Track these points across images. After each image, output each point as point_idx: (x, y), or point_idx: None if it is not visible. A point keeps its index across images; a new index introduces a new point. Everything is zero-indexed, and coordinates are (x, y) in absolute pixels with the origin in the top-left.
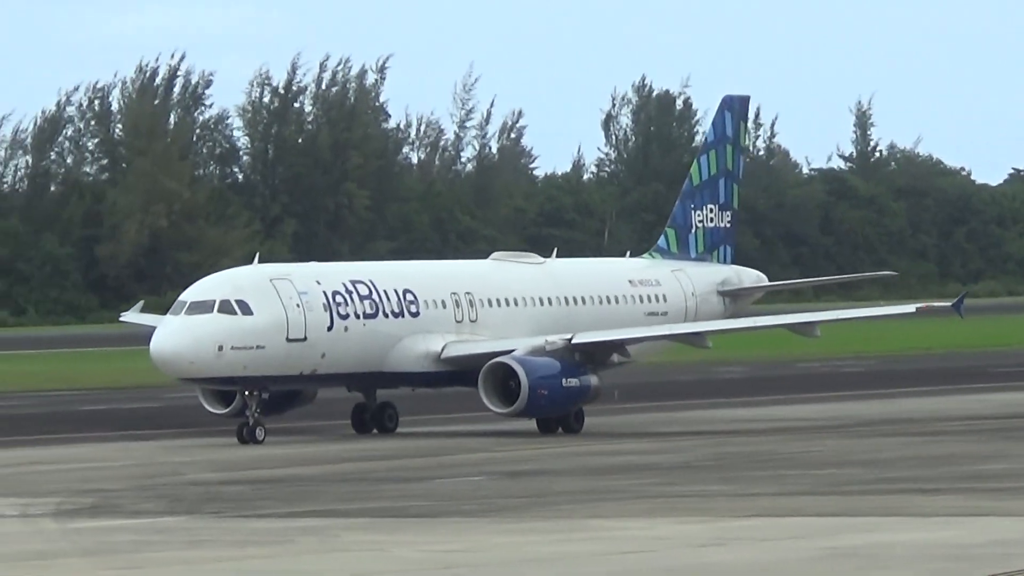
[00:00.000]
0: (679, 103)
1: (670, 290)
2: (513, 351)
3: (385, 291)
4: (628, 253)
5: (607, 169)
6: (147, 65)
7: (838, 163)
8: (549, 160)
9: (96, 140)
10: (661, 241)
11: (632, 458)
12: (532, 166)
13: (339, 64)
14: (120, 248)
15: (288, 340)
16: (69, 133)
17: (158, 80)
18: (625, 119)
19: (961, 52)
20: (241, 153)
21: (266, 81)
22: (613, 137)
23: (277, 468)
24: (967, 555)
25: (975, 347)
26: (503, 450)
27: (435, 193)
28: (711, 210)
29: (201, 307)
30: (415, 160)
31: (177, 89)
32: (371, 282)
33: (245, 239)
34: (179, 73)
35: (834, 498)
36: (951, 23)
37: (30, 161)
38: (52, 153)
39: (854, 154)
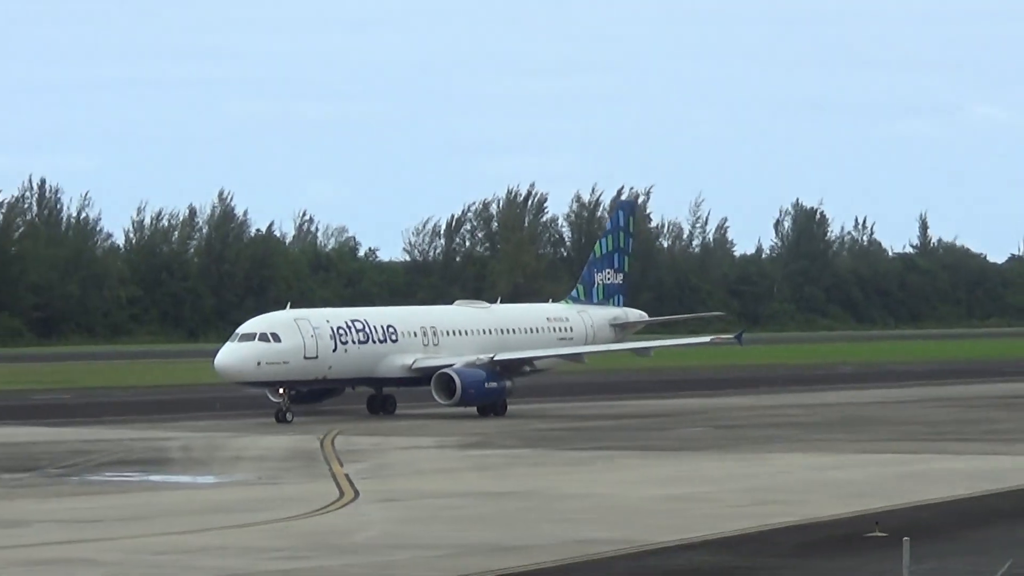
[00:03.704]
0: (817, 216)
1: (576, 324)
2: (453, 364)
3: (375, 326)
4: (550, 300)
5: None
6: (512, 190)
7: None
8: (743, 245)
9: (482, 233)
10: (573, 292)
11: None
12: (733, 249)
13: (619, 188)
14: (495, 296)
15: (305, 358)
16: (467, 227)
17: (520, 198)
18: (787, 223)
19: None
20: (566, 240)
21: (578, 198)
22: (781, 234)
23: (572, 424)
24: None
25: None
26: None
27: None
28: (608, 273)
29: (248, 337)
30: (665, 245)
31: (532, 203)
32: (365, 320)
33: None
34: (533, 193)
35: (901, 443)
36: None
37: (443, 243)
38: (456, 238)
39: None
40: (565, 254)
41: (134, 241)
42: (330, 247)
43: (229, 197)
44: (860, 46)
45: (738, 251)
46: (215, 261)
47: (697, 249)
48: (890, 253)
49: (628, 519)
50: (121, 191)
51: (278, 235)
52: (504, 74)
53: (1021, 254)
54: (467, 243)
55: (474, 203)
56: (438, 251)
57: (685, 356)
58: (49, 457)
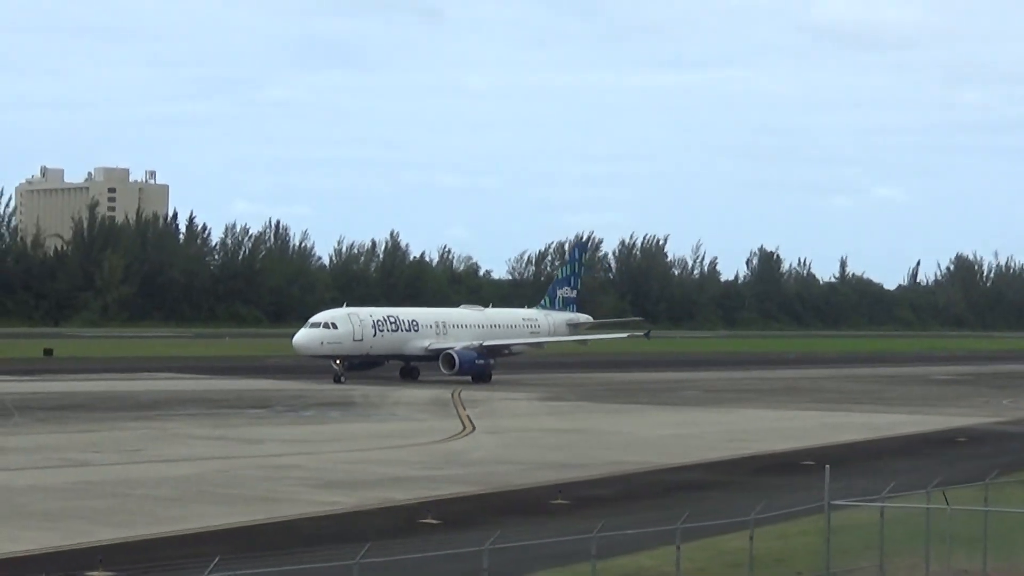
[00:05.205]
0: (774, 256)
1: (542, 323)
2: (454, 347)
3: (404, 320)
4: (527, 305)
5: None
6: (579, 234)
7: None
8: (727, 273)
9: (558, 261)
10: (542, 302)
11: (752, 385)
12: (720, 277)
13: (645, 235)
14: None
15: (353, 340)
16: (548, 258)
17: (583, 239)
18: (755, 260)
19: None
20: (612, 268)
21: (621, 242)
22: (751, 268)
23: (611, 386)
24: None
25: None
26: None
27: (681, 285)
28: (567, 290)
29: (315, 325)
30: (676, 273)
31: (591, 243)
32: (397, 316)
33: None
34: (591, 237)
35: (825, 404)
36: None
37: (533, 268)
38: (542, 265)
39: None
40: (611, 277)
41: (335, 262)
42: (461, 269)
43: (397, 235)
44: (805, 146)
45: (723, 278)
46: (387, 276)
47: (696, 276)
48: (821, 281)
49: (647, 448)
50: (328, 229)
51: (427, 260)
52: (574, 160)
53: (905, 284)
54: (548, 268)
55: (553, 242)
56: (530, 273)
57: (679, 344)
58: (277, 399)
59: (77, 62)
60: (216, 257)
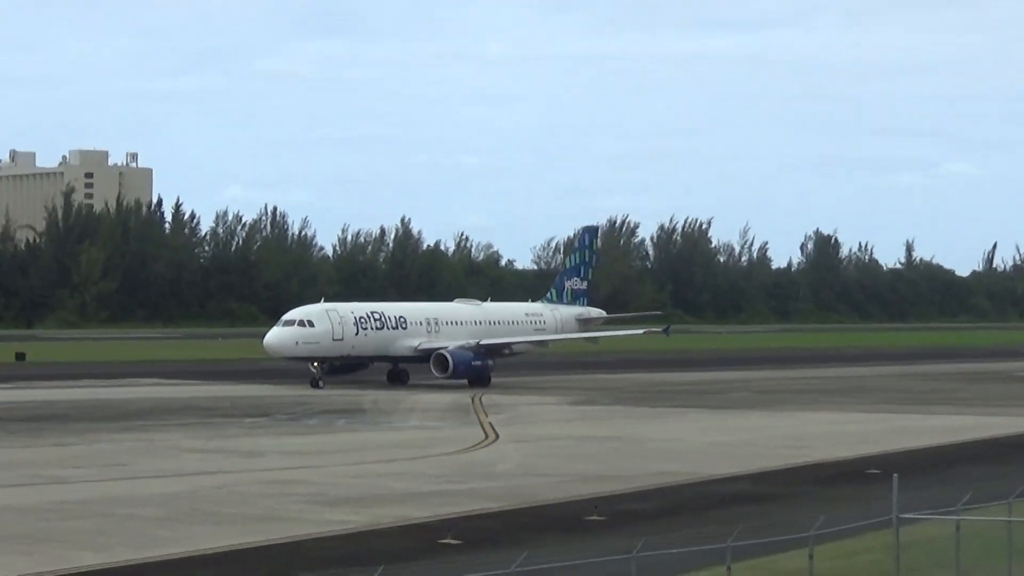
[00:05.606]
0: (832, 241)
1: (548, 318)
2: (447, 347)
3: (390, 316)
4: (530, 299)
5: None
6: (612, 219)
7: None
8: (778, 260)
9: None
10: (548, 295)
11: (809, 384)
12: (771, 264)
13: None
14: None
15: (332, 340)
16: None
17: (616, 224)
18: (810, 245)
19: None
20: (650, 256)
21: (660, 227)
22: (805, 254)
23: (649, 389)
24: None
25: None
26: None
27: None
28: (576, 281)
29: (289, 323)
30: (721, 260)
31: (625, 229)
32: (383, 312)
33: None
34: (627, 221)
35: (890, 405)
36: None
37: (561, 256)
38: (570, 253)
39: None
40: (649, 266)
41: (339, 252)
42: (480, 258)
43: (408, 221)
44: (866, 117)
45: (774, 265)
46: (397, 267)
47: (744, 263)
48: (885, 268)
49: (693, 457)
50: (331, 216)
51: (443, 249)
52: (606, 136)
53: (980, 270)
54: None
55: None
56: (557, 262)
57: (725, 340)
58: (277, 406)
59: (49, 33)
60: (206, 248)
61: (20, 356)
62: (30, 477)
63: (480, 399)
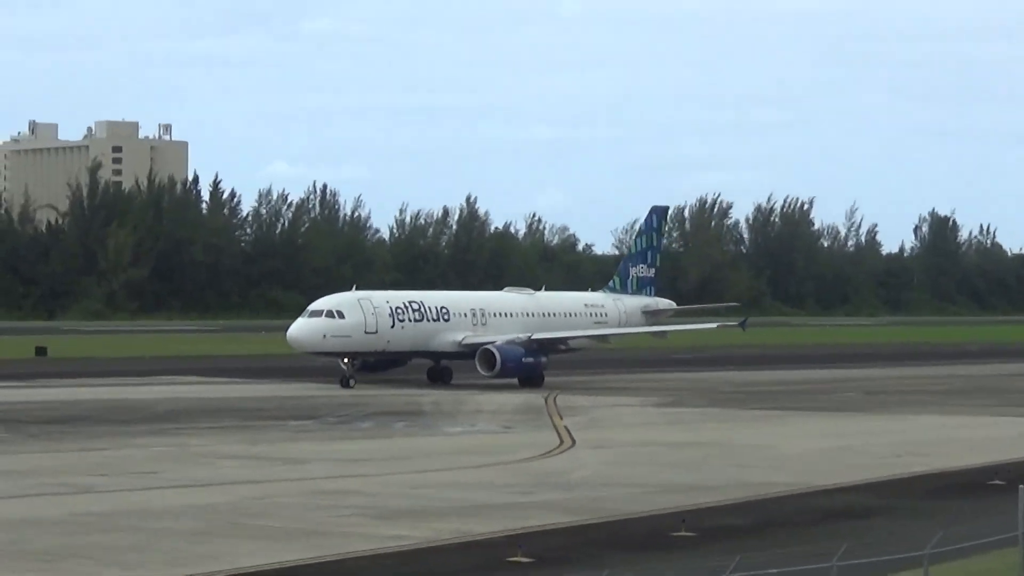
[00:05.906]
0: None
1: (610, 310)
2: (494, 341)
3: (430, 307)
4: (589, 289)
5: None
6: (702, 198)
7: None
8: (889, 245)
9: (677, 232)
10: (610, 283)
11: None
12: (881, 249)
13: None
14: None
15: (366, 333)
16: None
17: (708, 205)
18: (924, 228)
19: None
20: (745, 239)
21: (757, 207)
22: (919, 237)
23: (744, 389)
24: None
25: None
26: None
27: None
28: (641, 268)
29: (316, 314)
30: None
31: (717, 209)
32: (422, 302)
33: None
34: (719, 201)
35: (1017, 408)
36: None
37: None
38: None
39: None
40: (744, 251)
41: (396, 235)
42: (555, 242)
43: (474, 201)
44: (988, 84)
45: (884, 250)
46: (461, 252)
47: (851, 248)
48: (1010, 253)
49: (793, 465)
50: (387, 195)
51: (512, 232)
52: (696, 105)
53: None
54: (664, 240)
55: (671, 208)
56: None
57: (830, 334)
58: (327, 407)
59: None
60: (248, 231)
61: (41, 351)
62: (51, 486)
63: (555, 400)
